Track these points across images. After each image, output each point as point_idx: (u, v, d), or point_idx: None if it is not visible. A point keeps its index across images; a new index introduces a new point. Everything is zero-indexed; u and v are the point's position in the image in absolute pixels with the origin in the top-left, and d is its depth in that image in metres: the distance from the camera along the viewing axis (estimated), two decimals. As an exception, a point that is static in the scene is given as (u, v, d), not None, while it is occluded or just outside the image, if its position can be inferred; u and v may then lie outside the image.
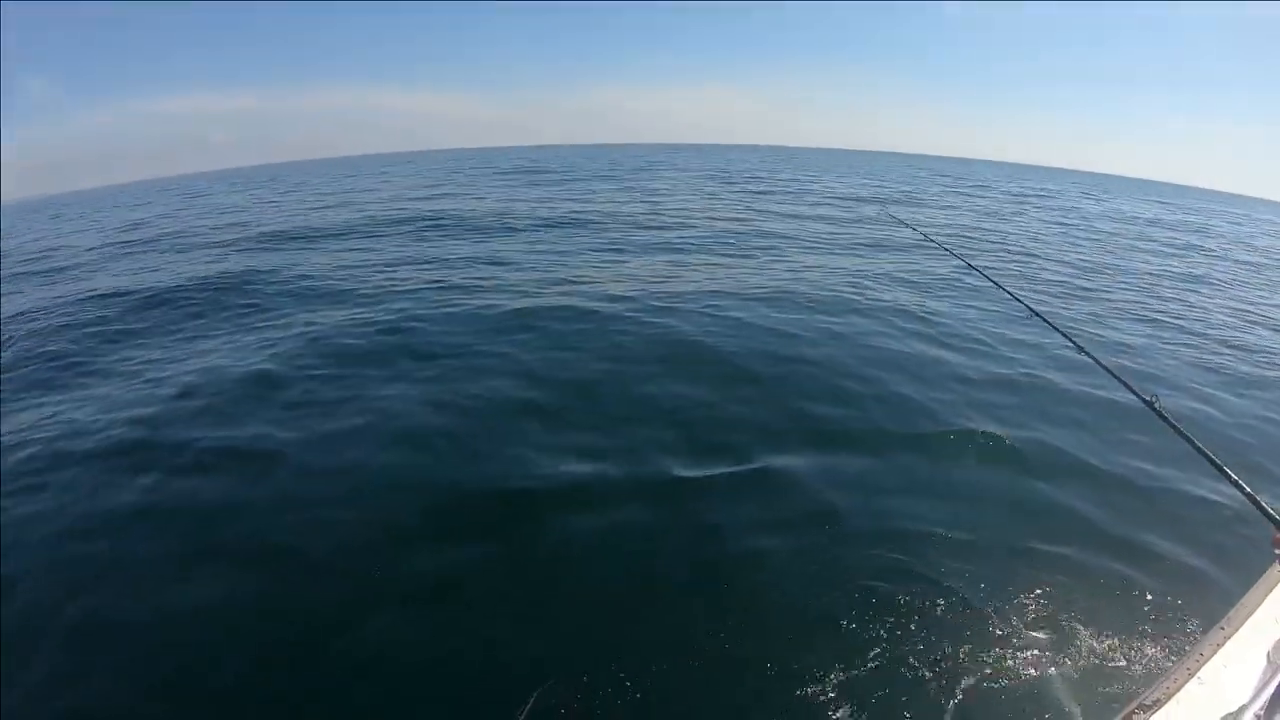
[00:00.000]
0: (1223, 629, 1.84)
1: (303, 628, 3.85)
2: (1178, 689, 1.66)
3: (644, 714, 3.22)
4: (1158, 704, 1.62)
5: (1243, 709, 1.56)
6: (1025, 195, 35.96)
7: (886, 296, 10.78)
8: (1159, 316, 11.14)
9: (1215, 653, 1.76)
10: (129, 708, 3.42)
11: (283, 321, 9.45)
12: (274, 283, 11.69)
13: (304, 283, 11.71)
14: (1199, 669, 1.71)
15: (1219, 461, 2.30)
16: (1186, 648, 3.49)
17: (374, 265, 12.98)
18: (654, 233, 16.29)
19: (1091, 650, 3.58)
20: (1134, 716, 1.60)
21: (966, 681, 3.36)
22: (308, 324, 9.21)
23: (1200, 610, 3.86)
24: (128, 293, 11.68)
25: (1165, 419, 2.55)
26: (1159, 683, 1.71)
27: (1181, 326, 10.58)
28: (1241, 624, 1.84)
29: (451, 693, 3.42)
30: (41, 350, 9.00)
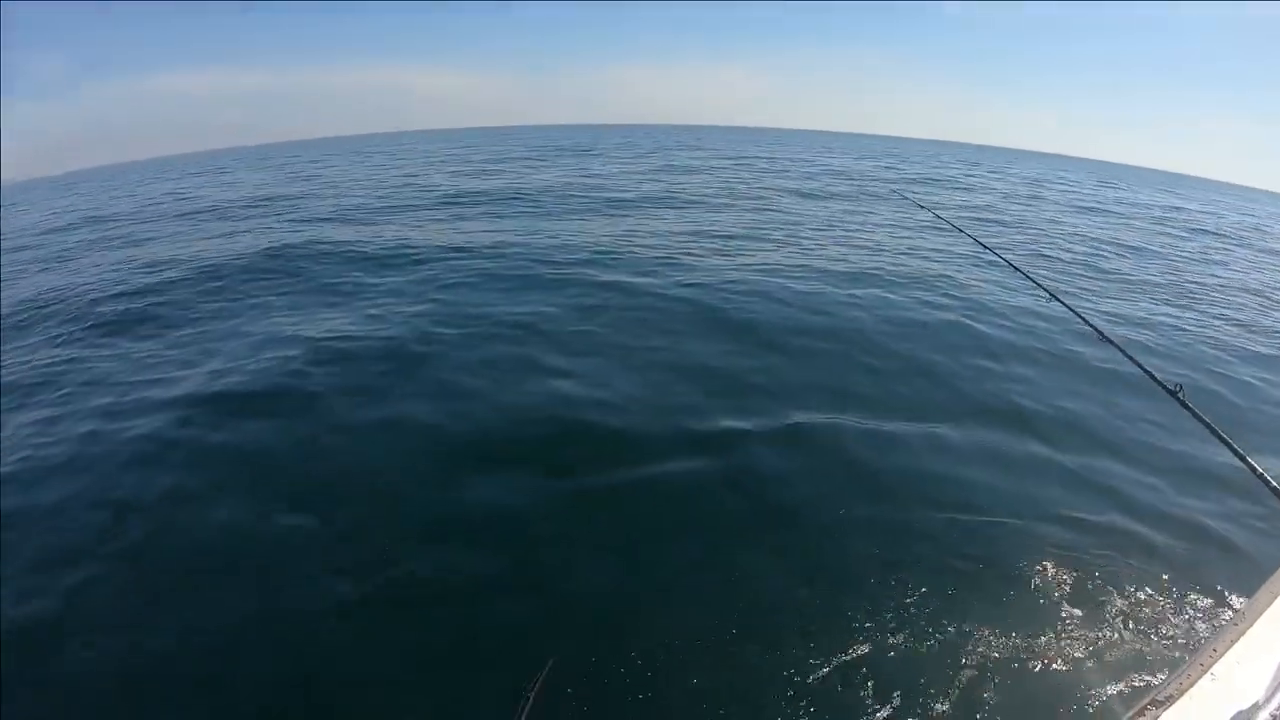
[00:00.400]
0: (1237, 624, 1.80)
1: (349, 564, 4.11)
2: (1191, 684, 1.63)
3: (669, 659, 3.35)
4: (1170, 699, 1.60)
5: (1256, 707, 1.54)
6: (1042, 180, 35.75)
7: (910, 272, 10.96)
8: (1178, 298, 11.26)
9: (1230, 648, 1.72)
10: (183, 632, 3.69)
11: (331, 291, 9.69)
12: (320, 254, 11.87)
13: (348, 252, 11.95)
14: (1213, 664, 1.68)
15: (1241, 451, 2.27)
16: (1205, 636, 3.53)
17: (410, 236, 13.18)
18: (677, 210, 16.43)
19: (1125, 621, 3.62)
20: (1147, 712, 1.58)
21: (996, 652, 3.40)
22: (352, 292, 9.51)
23: (1230, 583, 3.94)
24: (173, 262, 11.94)
25: (1189, 409, 2.50)
26: (1172, 678, 1.68)
27: (1201, 309, 10.70)
28: (1257, 618, 1.80)
29: (483, 630, 3.62)
30: (97, 313, 9.30)
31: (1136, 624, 3.61)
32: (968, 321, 8.52)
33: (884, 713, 3.05)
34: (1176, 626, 3.62)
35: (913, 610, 3.64)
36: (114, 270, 11.78)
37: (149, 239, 15.36)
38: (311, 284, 9.96)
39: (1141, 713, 1.58)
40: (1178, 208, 28.77)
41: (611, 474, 4.99)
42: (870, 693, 3.14)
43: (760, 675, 3.27)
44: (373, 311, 8.55)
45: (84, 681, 3.40)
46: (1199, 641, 3.47)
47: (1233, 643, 1.73)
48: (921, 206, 8.35)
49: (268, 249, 12.11)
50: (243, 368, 6.91)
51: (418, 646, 3.52)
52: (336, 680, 3.37)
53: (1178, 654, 3.41)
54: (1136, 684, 3.22)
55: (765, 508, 4.66)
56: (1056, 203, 24.81)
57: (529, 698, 1.79)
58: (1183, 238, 19.15)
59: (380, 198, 19.66)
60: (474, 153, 39.66)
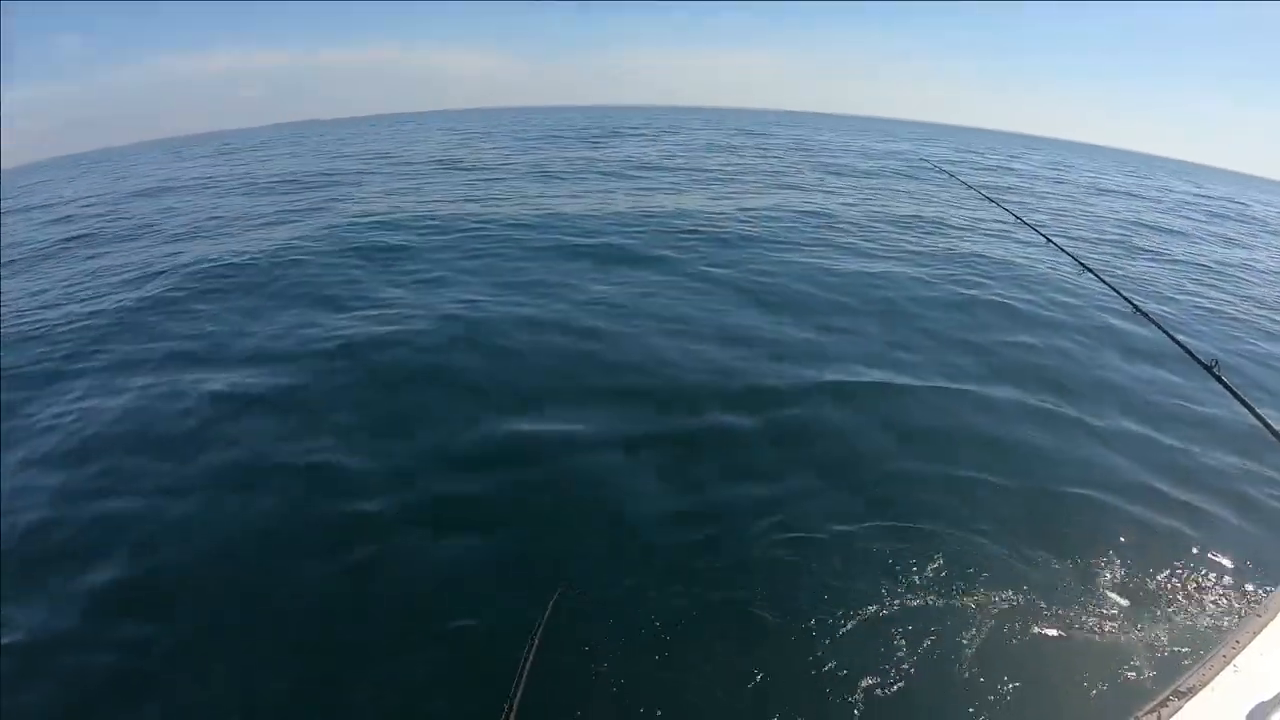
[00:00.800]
0: (1259, 616, 1.80)
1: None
2: (1213, 676, 1.62)
3: (689, 598, 3.50)
4: (1192, 691, 1.59)
5: (1278, 699, 1.54)
6: (1064, 165, 35.43)
7: (941, 248, 11.13)
8: (1204, 276, 11.34)
9: (1252, 639, 1.72)
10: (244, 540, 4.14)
11: (377, 260, 9.94)
12: (368, 226, 12.08)
13: (394, 224, 12.18)
14: (1235, 656, 1.67)
15: (1274, 426, 2.23)
16: (1228, 607, 3.52)
17: (445, 208, 13.41)
18: (703, 185, 16.58)
19: (1149, 591, 3.61)
20: (1168, 703, 1.58)
21: (1015, 616, 3.40)
22: (398, 259, 9.80)
23: (1257, 558, 3.92)
24: (226, 237, 12.18)
25: (1224, 383, 2.49)
26: (1194, 669, 1.67)
27: (1227, 288, 10.77)
28: (1279, 611, 1.80)
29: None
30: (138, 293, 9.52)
31: (1160, 594, 3.61)
32: (1001, 296, 8.65)
33: (911, 663, 3.13)
34: (1201, 599, 3.61)
35: (941, 569, 3.72)
36: (143, 252, 11.89)
37: (192, 214, 15.52)
38: (360, 254, 10.17)
39: (1164, 704, 1.58)
40: (1201, 195, 28.57)
41: (656, 424, 5.23)
42: (902, 644, 3.23)
43: (790, 620, 3.37)
44: (413, 283, 8.80)
45: (152, 580, 3.84)
46: (1222, 615, 3.49)
47: (1255, 634, 1.73)
48: (970, 187, 8.43)
49: (323, 225, 12.29)
50: (296, 331, 7.22)
51: (451, 560, 3.87)
52: (373, 586, 3.72)
53: (1201, 625, 3.41)
54: (1156, 653, 3.21)
55: (802, 458, 4.84)
56: (1080, 185, 24.75)
57: (540, 624, 1.88)
58: (1207, 221, 19.14)
59: (409, 174, 19.88)
60: (497, 132, 39.48)
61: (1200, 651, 1.98)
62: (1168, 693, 1.60)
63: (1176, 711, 1.55)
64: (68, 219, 16.28)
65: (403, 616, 3.50)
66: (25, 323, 8.12)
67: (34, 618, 3.57)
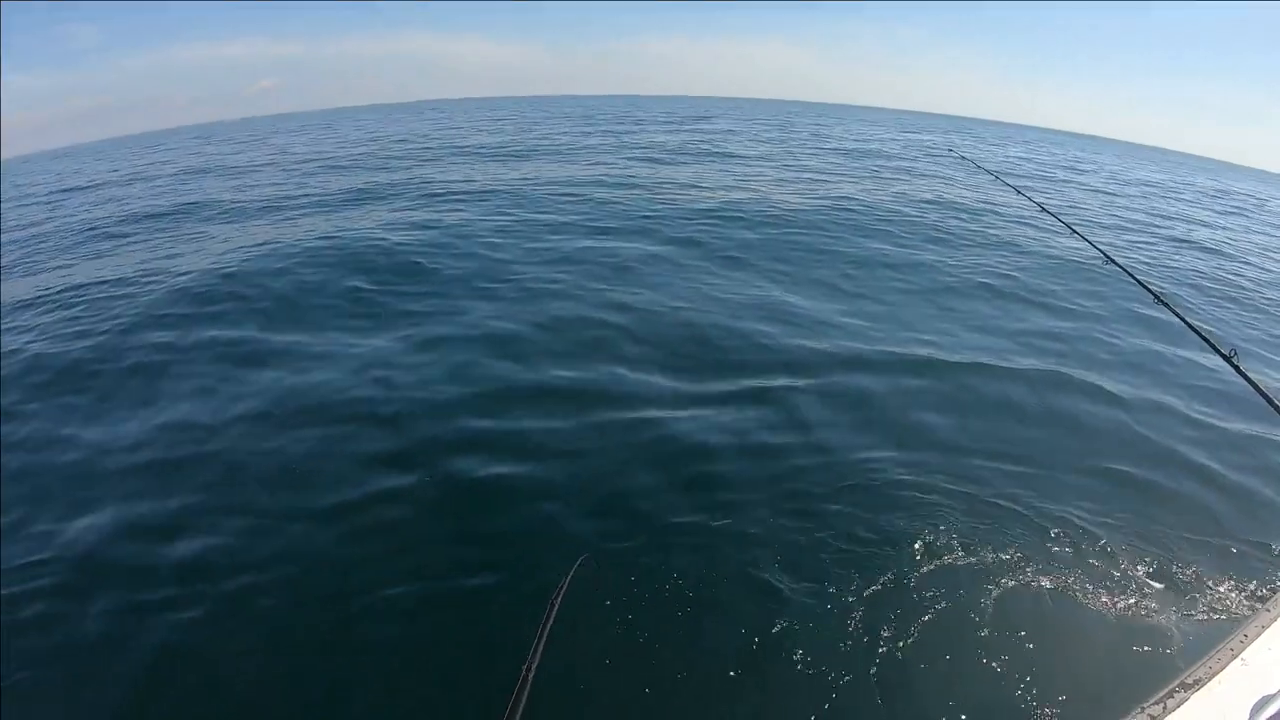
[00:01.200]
0: (1269, 610, 1.79)
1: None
2: (1220, 668, 1.62)
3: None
4: (1199, 683, 1.59)
5: None
6: (1081, 159, 35.16)
7: (968, 232, 11.43)
8: (1221, 264, 11.49)
9: (1260, 633, 1.71)
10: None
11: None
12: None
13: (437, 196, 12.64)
14: (1243, 649, 1.67)
15: None
16: (1236, 594, 3.53)
17: (488, 184, 13.73)
18: (726, 170, 16.59)
19: (1186, 585, 3.56)
20: (1174, 695, 1.57)
21: (1026, 594, 3.43)
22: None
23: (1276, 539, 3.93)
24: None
25: (1240, 371, 2.49)
26: (1201, 661, 1.66)
27: (1247, 274, 10.92)
28: None
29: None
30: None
31: (1183, 576, 3.60)
32: (1026, 281, 8.87)
33: (932, 619, 3.25)
34: (1219, 583, 3.58)
35: (970, 532, 3.83)
36: (204, 232, 12.33)
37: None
38: (395, 233, 10.52)
39: (1169, 695, 1.57)
40: (1222, 189, 28.39)
41: (689, 390, 5.51)
42: (926, 600, 3.35)
43: (815, 579, 3.51)
44: (449, 257, 9.21)
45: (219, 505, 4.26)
46: (1239, 601, 3.50)
47: (1264, 628, 1.72)
48: (995, 175, 8.51)
49: (365, 208, 12.65)
50: (342, 303, 7.67)
51: (490, 498, 4.26)
52: (420, 517, 4.08)
53: (1216, 609, 3.43)
54: (1169, 636, 3.22)
55: (837, 422, 5.09)
56: (1101, 176, 24.83)
57: (562, 588, 1.86)
58: (1227, 213, 19.22)
59: (440, 157, 20.30)
60: (522, 119, 39.37)
61: (1211, 639, 2.11)
62: (1174, 684, 1.60)
63: (1183, 703, 1.55)
64: (117, 200, 16.70)
65: (446, 544, 3.86)
66: (87, 297, 8.45)
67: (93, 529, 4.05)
